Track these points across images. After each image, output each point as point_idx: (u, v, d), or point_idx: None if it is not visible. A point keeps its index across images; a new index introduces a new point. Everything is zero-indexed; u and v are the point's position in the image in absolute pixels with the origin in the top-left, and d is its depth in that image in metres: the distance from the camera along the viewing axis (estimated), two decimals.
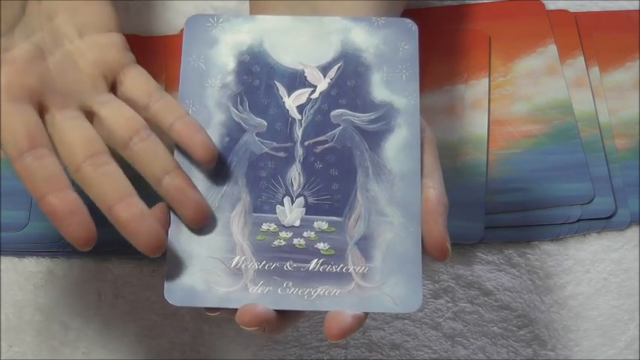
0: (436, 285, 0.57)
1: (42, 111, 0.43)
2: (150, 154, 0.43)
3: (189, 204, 0.43)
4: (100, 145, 0.43)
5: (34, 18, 0.45)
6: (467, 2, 0.65)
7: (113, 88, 0.46)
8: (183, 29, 0.47)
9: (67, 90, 0.44)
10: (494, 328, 0.56)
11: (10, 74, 0.43)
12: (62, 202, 0.40)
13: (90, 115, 0.44)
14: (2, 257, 0.58)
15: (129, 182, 0.42)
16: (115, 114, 0.44)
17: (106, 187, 0.42)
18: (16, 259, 0.58)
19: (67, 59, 0.45)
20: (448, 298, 0.57)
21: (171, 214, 0.44)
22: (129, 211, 0.41)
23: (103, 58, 0.45)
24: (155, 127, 0.44)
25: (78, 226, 0.40)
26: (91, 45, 0.46)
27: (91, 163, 0.42)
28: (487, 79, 0.61)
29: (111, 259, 0.58)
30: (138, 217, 0.41)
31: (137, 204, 0.42)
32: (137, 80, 0.46)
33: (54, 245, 0.57)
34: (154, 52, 0.62)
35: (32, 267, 0.58)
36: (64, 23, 0.45)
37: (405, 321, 0.57)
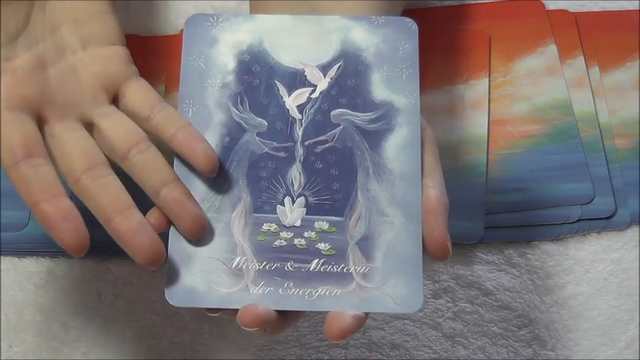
0: (436, 285, 0.57)
1: (41, 122, 0.43)
2: (148, 166, 0.43)
3: (186, 217, 0.43)
4: (99, 157, 0.43)
5: (38, 29, 0.45)
6: (467, 2, 0.65)
7: (115, 100, 0.46)
8: (183, 29, 0.47)
9: (67, 101, 0.44)
10: (494, 328, 0.56)
11: (9, 84, 0.43)
12: (55, 209, 0.41)
13: (90, 127, 0.44)
14: (2, 257, 0.58)
15: (127, 194, 0.42)
16: (114, 126, 0.44)
17: (105, 200, 0.42)
18: (16, 259, 0.58)
19: (68, 71, 0.45)
20: (448, 298, 0.57)
21: None
22: (127, 224, 0.41)
23: (105, 70, 0.45)
24: (157, 138, 0.44)
25: (70, 233, 0.40)
26: (94, 57, 0.46)
27: (89, 176, 0.42)
28: (487, 79, 0.61)
29: (111, 259, 0.58)
30: (136, 229, 0.41)
31: (135, 216, 0.42)
32: (139, 93, 0.46)
33: (54, 245, 0.57)
34: (154, 52, 0.62)
35: (32, 267, 0.58)
36: (68, 35, 0.45)
37: (405, 321, 0.56)
